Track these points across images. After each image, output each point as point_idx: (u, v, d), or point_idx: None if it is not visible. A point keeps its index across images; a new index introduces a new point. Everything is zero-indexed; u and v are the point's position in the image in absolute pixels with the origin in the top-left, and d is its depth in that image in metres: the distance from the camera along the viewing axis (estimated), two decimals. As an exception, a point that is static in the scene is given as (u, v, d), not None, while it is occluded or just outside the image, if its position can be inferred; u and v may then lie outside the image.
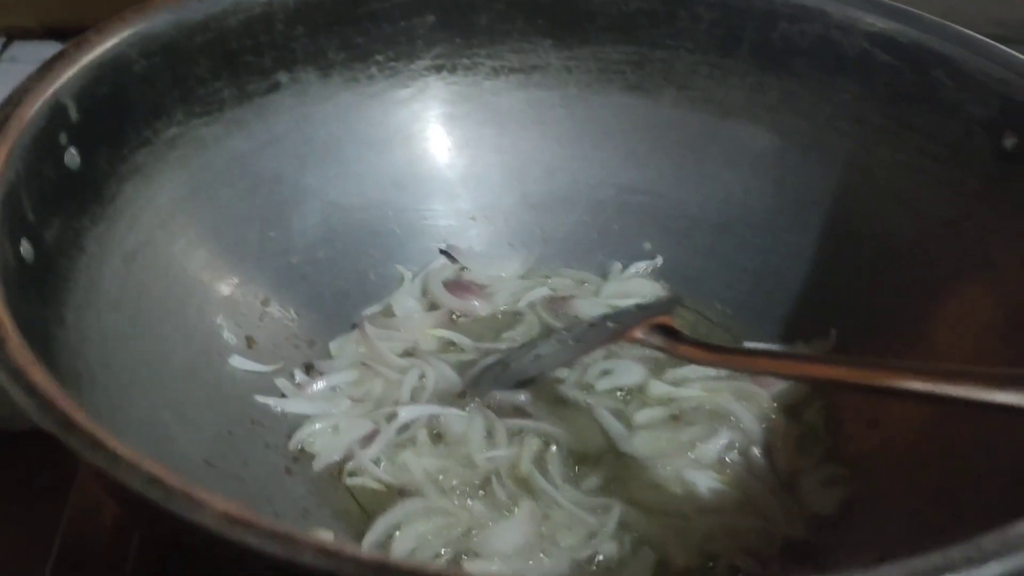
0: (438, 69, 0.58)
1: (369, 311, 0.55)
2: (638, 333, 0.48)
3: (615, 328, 0.51)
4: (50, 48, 0.44)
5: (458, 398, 0.50)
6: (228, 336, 0.49)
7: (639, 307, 0.55)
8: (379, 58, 0.56)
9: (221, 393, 0.46)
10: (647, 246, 0.59)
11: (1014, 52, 0.48)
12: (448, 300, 0.55)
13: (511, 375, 0.51)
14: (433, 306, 0.56)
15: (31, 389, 0.28)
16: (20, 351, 0.29)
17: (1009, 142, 0.47)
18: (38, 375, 0.28)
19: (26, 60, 0.79)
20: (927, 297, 0.50)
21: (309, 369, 0.51)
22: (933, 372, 0.36)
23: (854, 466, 0.47)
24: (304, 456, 0.47)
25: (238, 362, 0.48)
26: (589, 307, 0.56)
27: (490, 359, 0.52)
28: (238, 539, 0.24)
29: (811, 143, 0.56)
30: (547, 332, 0.55)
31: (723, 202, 0.58)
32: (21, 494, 0.72)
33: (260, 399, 0.48)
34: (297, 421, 0.48)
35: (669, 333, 0.48)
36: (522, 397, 0.50)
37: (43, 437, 0.27)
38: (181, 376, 0.45)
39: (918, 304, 0.50)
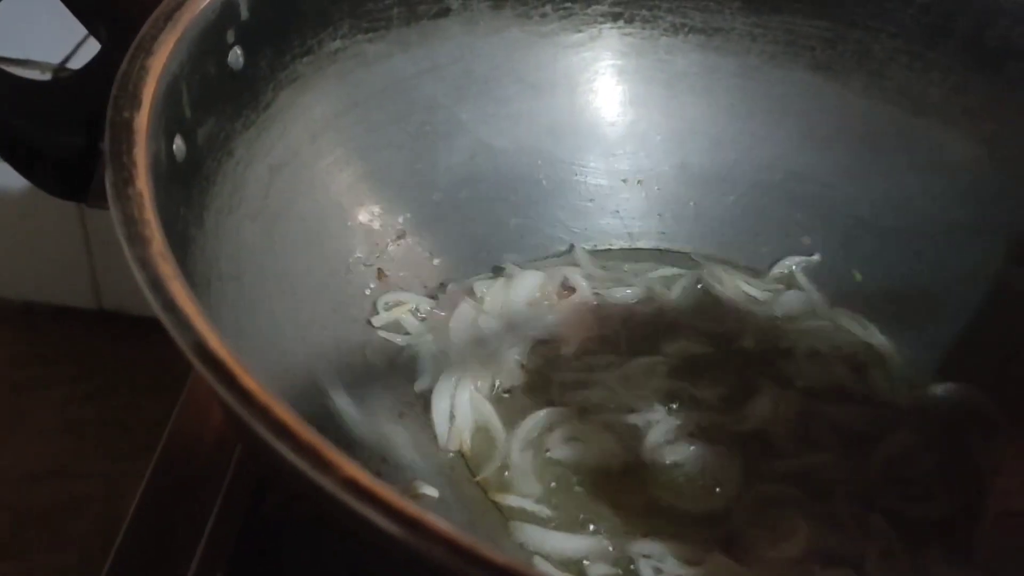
0: (615, 17, 0.55)
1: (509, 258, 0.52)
2: None
3: None
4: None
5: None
6: (360, 264, 0.47)
7: None
8: (556, -4, 0.53)
9: (344, 322, 0.45)
10: (806, 241, 0.55)
11: None
12: None
13: None
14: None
15: (170, 304, 0.26)
16: (163, 259, 0.27)
17: None
18: (179, 289, 0.27)
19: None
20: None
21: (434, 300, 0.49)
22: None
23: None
24: (419, 400, 0.45)
25: (366, 292, 0.47)
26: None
27: None
28: (358, 511, 0.22)
29: (1011, 157, 0.51)
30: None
31: (899, 207, 0.53)
32: (143, 380, 0.73)
33: (383, 334, 0.46)
34: (417, 363, 0.46)
35: None
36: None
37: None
38: (307, 297, 0.44)
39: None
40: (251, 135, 0.43)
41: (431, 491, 0.40)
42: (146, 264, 0.27)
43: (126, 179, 0.30)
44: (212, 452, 0.50)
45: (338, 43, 0.47)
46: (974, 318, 0.50)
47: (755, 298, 0.53)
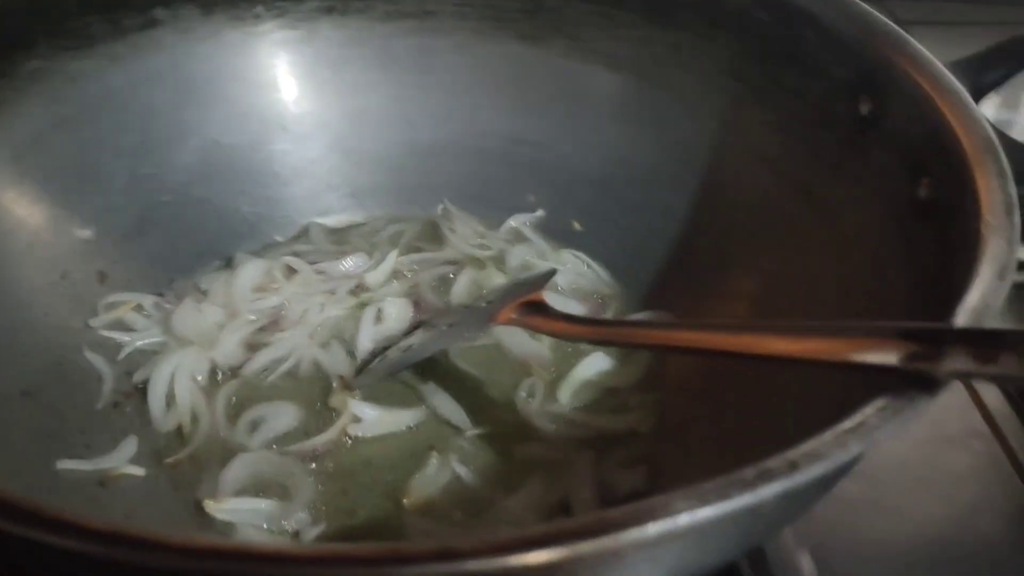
0: (328, 10, 0.58)
1: (242, 251, 0.55)
2: (509, 314, 0.47)
3: (486, 310, 0.49)
4: None
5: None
6: (78, 270, 0.49)
7: (515, 283, 0.54)
8: (265, -4, 0.56)
9: (59, 324, 0.47)
10: (531, 199, 0.59)
11: (875, 12, 0.46)
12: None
13: (389, 366, 0.49)
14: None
15: None
16: None
17: (864, 107, 0.45)
18: None
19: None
20: (779, 264, 0.49)
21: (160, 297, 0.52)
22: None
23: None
24: (137, 391, 0.47)
25: (85, 296, 0.49)
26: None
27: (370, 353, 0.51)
28: None
29: (693, 99, 0.55)
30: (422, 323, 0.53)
31: (605, 158, 0.57)
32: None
33: (105, 333, 0.49)
34: (136, 357, 0.49)
35: (540, 310, 0.46)
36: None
37: None
38: (17, 305, 0.46)
39: (769, 270, 0.49)
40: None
41: (136, 470, 0.43)
42: None
43: None
44: None
45: (36, 63, 0.49)
46: (671, 254, 0.54)
47: (486, 245, 0.57)
